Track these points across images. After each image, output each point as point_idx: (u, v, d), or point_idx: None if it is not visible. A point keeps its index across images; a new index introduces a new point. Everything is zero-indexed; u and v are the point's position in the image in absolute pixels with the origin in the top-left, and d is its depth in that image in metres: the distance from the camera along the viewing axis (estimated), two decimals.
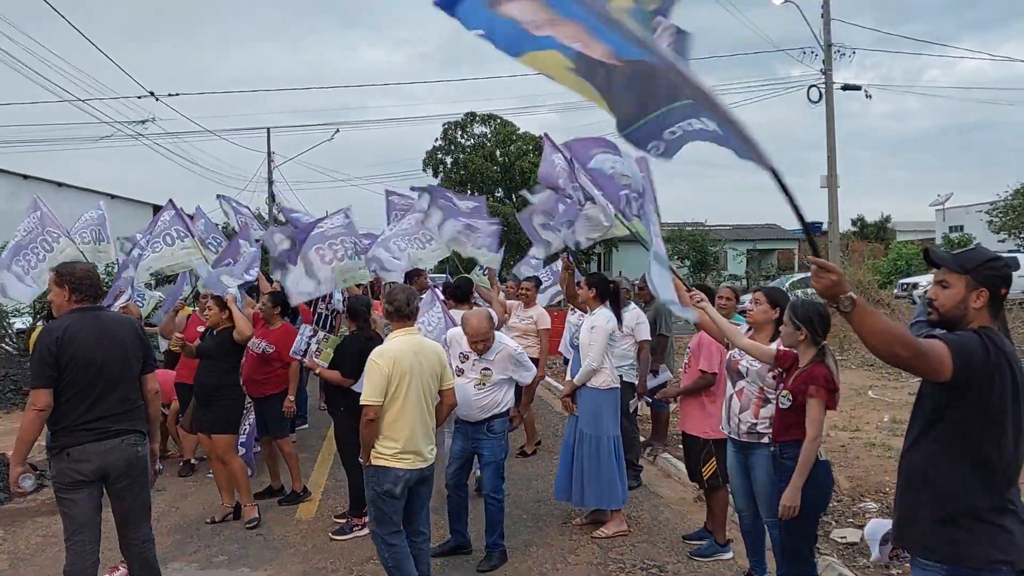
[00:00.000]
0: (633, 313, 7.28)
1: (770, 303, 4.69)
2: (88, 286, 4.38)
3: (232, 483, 6.68)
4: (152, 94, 24.41)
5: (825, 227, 24.38)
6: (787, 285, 26.78)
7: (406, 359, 4.55)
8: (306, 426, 10.23)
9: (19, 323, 16.20)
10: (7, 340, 15.76)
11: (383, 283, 10.31)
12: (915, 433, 2.95)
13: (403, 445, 4.54)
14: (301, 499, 7.18)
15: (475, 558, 5.70)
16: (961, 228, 41.07)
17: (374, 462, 4.58)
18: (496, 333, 5.75)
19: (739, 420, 4.78)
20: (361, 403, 4.52)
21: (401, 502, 4.62)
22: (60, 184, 30.98)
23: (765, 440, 4.63)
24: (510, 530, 6.07)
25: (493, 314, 6.30)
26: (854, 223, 52.19)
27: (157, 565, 4.63)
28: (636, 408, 7.57)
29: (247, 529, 6.42)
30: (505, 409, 5.68)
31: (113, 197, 31.19)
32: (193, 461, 8.34)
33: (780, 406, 4.20)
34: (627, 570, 5.49)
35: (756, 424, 4.70)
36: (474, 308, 7.22)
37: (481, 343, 5.56)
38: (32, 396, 4.20)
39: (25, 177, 30.68)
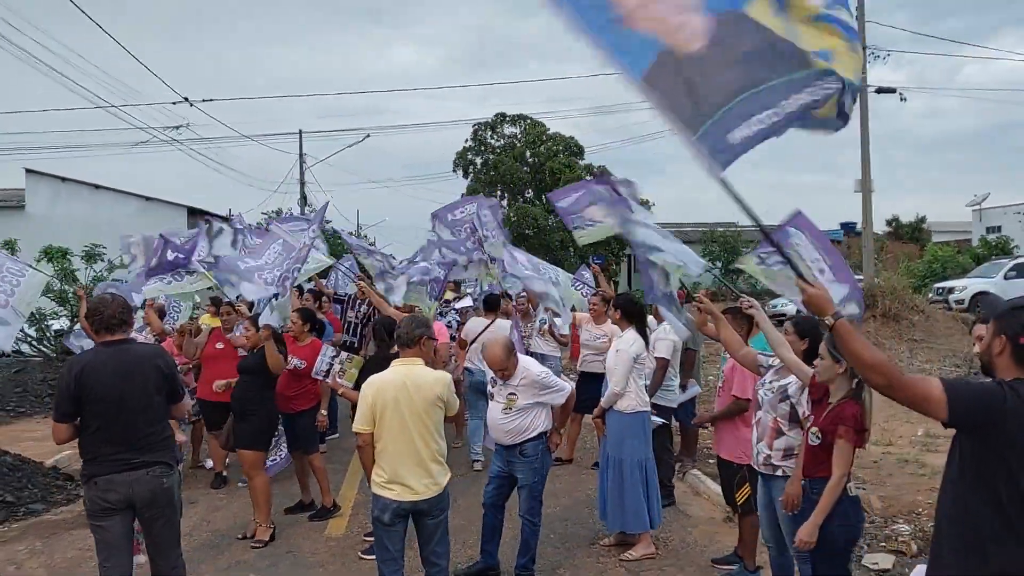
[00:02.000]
0: (659, 330, 7.28)
1: (798, 335, 4.63)
2: (112, 322, 4.44)
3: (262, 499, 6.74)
4: (187, 99, 24.67)
5: (859, 228, 24.08)
6: None
7: (391, 389, 4.54)
8: (336, 435, 10.32)
9: (56, 324, 16.49)
10: (46, 343, 16.02)
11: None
12: (950, 475, 2.92)
13: (388, 476, 4.55)
14: (331, 514, 7.24)
15: None
16: (999, 229, 40.37)
17: (371, 487, 4.65)
18: (522, 357, 5.76)
19: (757, 451, 4.79)
20: (353, 430, 4.63)
21: (394, 531, 4.61)
22: (97, 186, 31.47)
23: (780, 473, 4.63)
24: (538, 550, 6.07)
25: (517, 342, 6.28)
26: (889, 223, 51.48)
27: None
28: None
29: (252, 548, 6.47)
30: (536, 434, 5.62)
31: (148, 199, 31.67)
32: (225, 473, 8.45)
33: (809, 442, 4.16)
34: None
35: (771, 456, 4.68)
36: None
37: (500, 371, 5.57)
38: (52, 428, 4.38)
39: (63, 180, 31.22)
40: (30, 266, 8.02)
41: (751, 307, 4.79)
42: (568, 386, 5.84)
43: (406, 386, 4.55)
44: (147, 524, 4.48)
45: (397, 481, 4.53)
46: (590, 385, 8.06)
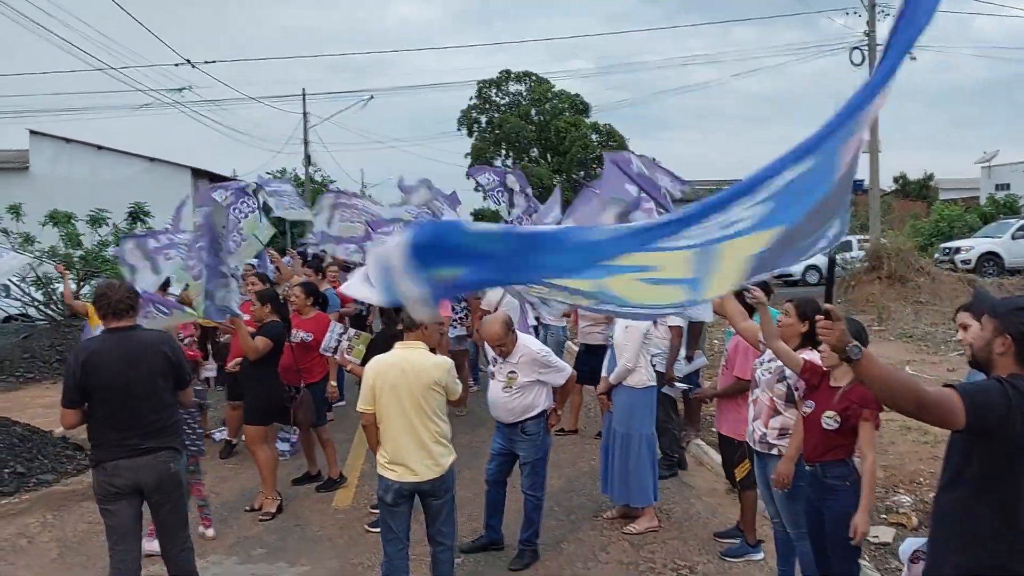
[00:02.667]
0: None
1: (799, 316, 4.62)
2: (120, 307, 4.45)
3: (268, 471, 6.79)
4: (189, 61, 24.47)
5: (866, 185, 23.92)
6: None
7: (390, 372, 4.60)
8: (343, 403, 10.34)
9: (62, 288, 16.49)
10: (52, 307, 16.06)
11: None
12: (947, 476, 2.94)
13: (390, 456, 4.64)
14: (337, 485, 7.32)
15: (507, 555, 5.78)
16: (1008, 187, 40.10)
17: (376, 467, 4.74)
18: (521, 335, 5.76)
19: (753, 428, 4.84)
20: (357, 409, 4.71)
21: (398, 511, 4.68)
22: (100, 147, 31.37)
23: (775, 452, 4.69)
24: (542, 522, 6.14)
25: (514, 317, 6.28)
26: (896, 180, 51.18)
27: (196, 572, 4.77)
28: (678, 395, 7.59)
29: (260, 521, 6.55)
30: (537, 412, 5.66)
31: (152, 160, 31.58)
32: (234, 442, 8.52)
33: (824, 427, 4.15)
34: (658, 570, 5.55)
35: (767, 434, 4.75)
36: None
37: (498, 347, 5.59)
38: (60, 414, 4.44)
39: (67, 141, 31.12)
40: (14, 250, 8.20)
41: (756, 300, 4.75)
42: (568, 368, 5.86)
43: (404, 370, 4.60)
44: (154, 508, 4.54)
45: (398, 462, 4.61)
46: (590, 356, 8.09)
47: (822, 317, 2.71)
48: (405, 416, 4.58)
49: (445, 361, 4.85)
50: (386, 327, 6.34)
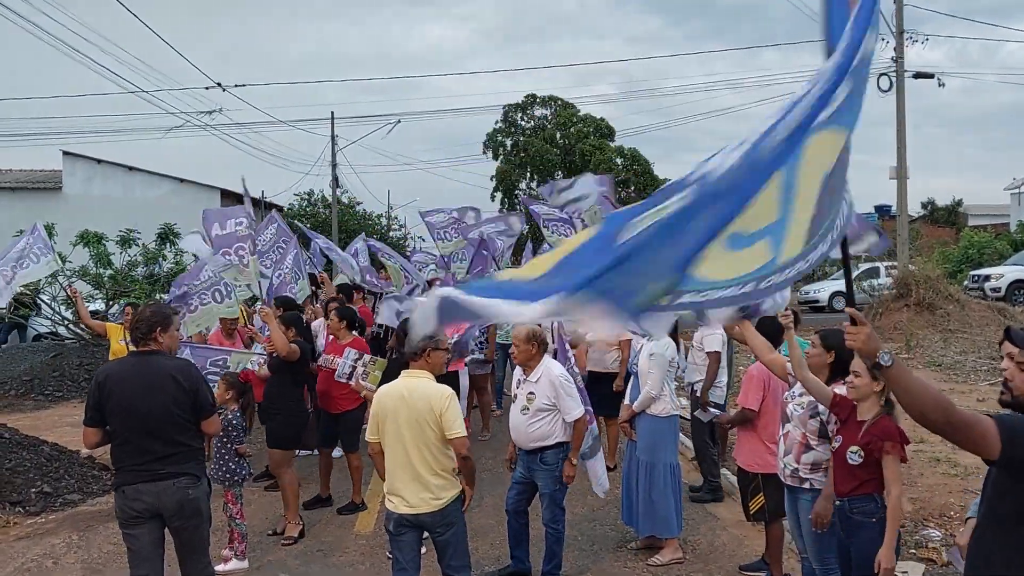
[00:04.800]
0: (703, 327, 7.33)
1: (825, 347, 4.58)
2: (136, 334, 4.53)
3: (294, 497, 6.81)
4: (219, 85, 24.81)
5: (894, 211, 23.74)
6: (853, 276, 26.15)
7: (390, 400, 4.55)
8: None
9: (91, 307, 16.69)
10: (82, 326, 16.22)
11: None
12: (982, 510, 2.88)
13: (387, 486, 4.62)
14: (359, 509, 7.32)
15: None
16: None
17: None
18: (549, 359, 5.72)
19: (784, 464, 4.76)
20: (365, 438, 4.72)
21: (402, 541, 4.61)
22: (131, 168, 31.82)
23: (807, 486, 4.62)
24: (565, 553, 6.10)
25: (550, 333, 6.28)
26: (924, 206, 50.76)
27: None
28: (708, 420, 7.54)
29: (283, 546, 6.56)
30: (555, 442, 5.56)
31: (182, 181, 31.99)
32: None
33: (849, 462, 4.10)
34: None
35: (799, 469, 4.67)
36: None
37: (522, 356, 5.60)
38: (83, 432, 4.53)
39: (99, 161, 31.61)
40: (52, 253, 8.54)
41: (787, 322, 4.71)
42: (581, 409, 5.61)
43: (404, 399, 4.53)
44: (175, 533, 4.56)
45: (393, 492, 4.57)
46: (598, 385, 8.05)
47: (849, 323, 2.65)
48: (402, 446, 4.49)
49: (446, 391, 4.65)
50: (400, 354, 6.34)
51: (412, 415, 4.48)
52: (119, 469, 4.49)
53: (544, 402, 5.55)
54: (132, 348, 4.83)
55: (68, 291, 10.14)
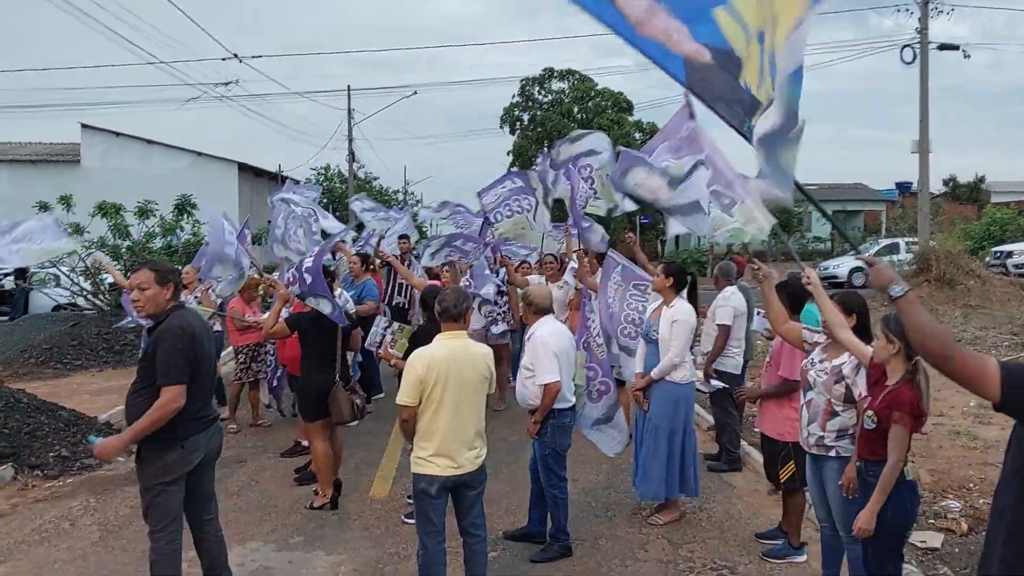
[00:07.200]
0: (719, 297, 7.39)
1: (845, 311, 4.49)
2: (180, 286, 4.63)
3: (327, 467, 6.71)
4: (236, 56, 24.75)
5: (915, 188, 23.48)
6: (873, 251, 25.97)
7: (444, 363, 4.46)
8: (382, 395, 10.38)
9: (110, 279, 16.76)
10: (100, 296, 16.32)
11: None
12: (1006, 469, 2.83)
13: (435, 449, 4.49)
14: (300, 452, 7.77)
15: None
16: None
17: (412, 461, 4.63)
18: (543, 322, 5.61)
19: (808, 432, 4.67)
20: (396, 403, 4.55)
21: (440, 502, 4.58)
22: (149, 141, 31.94)
23: (833, 454, 4.55)
24: (579, 519, 6.13)
25: (554, 292, 6.30)
26: (946, 183, 50.17)
27: (225, 555, 4.86)
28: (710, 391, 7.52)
29: (310, 509, 6.55)
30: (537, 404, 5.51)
31: (199, 155, 32.06)
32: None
33: (864, 426, 4.07)
34: (697, 569, 5.45)
35: (824, 437, 4.58)
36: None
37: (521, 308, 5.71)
38: (168, 394, 4.19)
39: (117, 134, 31.73)
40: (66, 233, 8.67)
41: (810, 282, 4.54)
42: (550, 377, 5.42)
43: (459, 361, 4.51)
44: (201, 477, 4.57)
45: (443, 455, 4.49)
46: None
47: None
48: (458, 409, 4.47)
49: (490, 351, 4.83)
50: (428, 320, 6.31)
51: (475, 374, 4.58)
52: (181, 422, 4.28)
53: (527, 362, 5.55)
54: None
55: (97, 262, 10.15)
